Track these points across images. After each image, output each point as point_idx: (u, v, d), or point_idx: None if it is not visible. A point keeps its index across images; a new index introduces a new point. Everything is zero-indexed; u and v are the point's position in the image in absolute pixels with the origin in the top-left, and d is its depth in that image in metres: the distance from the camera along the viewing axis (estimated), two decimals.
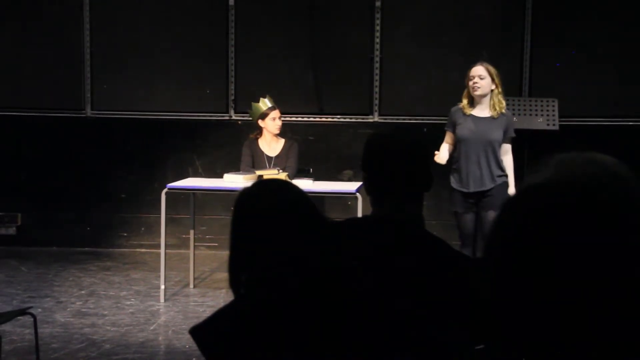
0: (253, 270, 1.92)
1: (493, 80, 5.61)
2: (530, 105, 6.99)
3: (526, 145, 7.17)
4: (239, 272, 1.96)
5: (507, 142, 5.71)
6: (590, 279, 0.95)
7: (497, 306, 1.01)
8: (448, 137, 5.77)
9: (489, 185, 5.58)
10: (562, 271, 0.96)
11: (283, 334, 1.86)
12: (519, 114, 6.85)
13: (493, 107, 5.62)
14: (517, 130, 5.97)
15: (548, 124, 6.95)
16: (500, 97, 5.64)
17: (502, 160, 5.66)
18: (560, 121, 7.03)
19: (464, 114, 5.64)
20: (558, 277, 0.96)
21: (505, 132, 5.65)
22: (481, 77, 5.59)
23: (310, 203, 1.98)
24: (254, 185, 2.04)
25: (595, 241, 0.96)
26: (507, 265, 1.00)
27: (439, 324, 1.98)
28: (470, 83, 5.61)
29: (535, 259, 0.98)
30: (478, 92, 5.59)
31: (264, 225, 1.91)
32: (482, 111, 5.64)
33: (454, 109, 5.74)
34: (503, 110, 5.65)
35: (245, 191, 2.03)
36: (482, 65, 5.63)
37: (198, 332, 1.97)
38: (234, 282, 1.97)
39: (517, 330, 0.99)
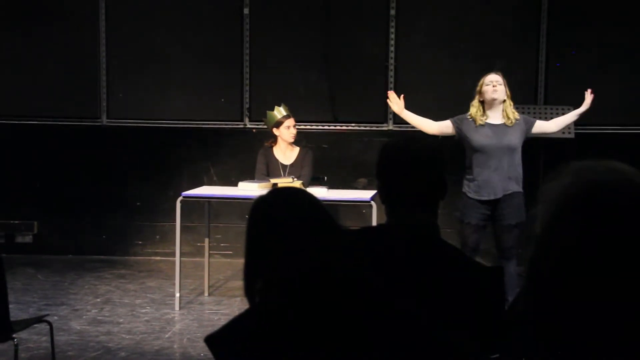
0: (268, 279, 1.92)
1: (506, 89, 5.61)
2: (546, 113, 6.97)
3: (542, 153, 7.15)
4: (254, 280, 1.96)
5: (535, 124, 5.71)
6: (615, 281, 0.95)
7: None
8: (441, 123, 5.74)
9: (505, 192, 5.54)
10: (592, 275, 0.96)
11: (298, 343, 1.86)
12: None
13: (506, 116, 5.60)
14: (532, 138, 5.96)
15: (564, 132, 6.92)
16: (511, 107, 5.64)
17: (520, 167, 5.62)
18: (575, 129, 6.99)
19: (476, 125, 5.60)
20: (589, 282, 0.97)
21: (528, 130, 5.66)
22: (499, 82, 5.58)
23: (326, 211, 1.98)
24: (269, 193, 2.04)
25: (616, 246, 0.96)
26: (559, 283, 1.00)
27: (454, 333, 1.97)
28: (488, 88, 5.57)
29: (572, 265, 0.98)
30: (496, 95, 5.55)
31: (279, 233, 1.91)
32: (495, 119, 5.61)
33: (464, 117, 5.67)
34: (517, 117, 5.63)
35: (261, 199, 2.03)
36: (497, 73, 5.64)
37: (213, 340, 1.97)
38: (249, 290, 1.97)
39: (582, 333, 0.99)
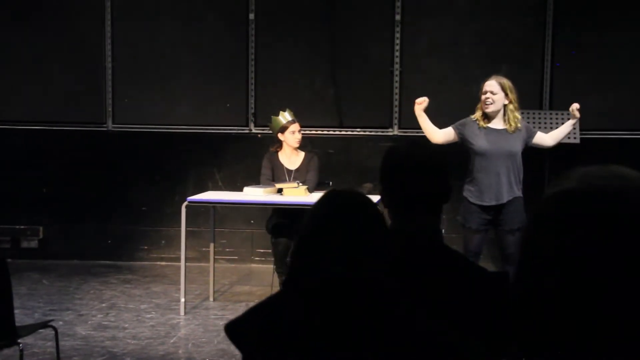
0: (315, 271, 1.89)
1: (507, 95, 5.52)
2: (551, 119, 6.97)
3: (547, 158, 7.14)
4: (299, 270, 1.93)
5: (535, 136, 5.65)
6: (617, 290, 0.95)
7: (534, 314, 1.00)
8: (445, 131, 5.67)
9: (506, 197, 5.51)
10: (591, 283, 0.96)
11: (321, 331, 1.85)
12: (540, 128, 6.82)
13: (507, 122, 5.55)
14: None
15: (569, 137, 6.91)
16: (515, 112, 5.54)
17: (521, 172, 5.59)
18: (581, 134, 6.99)
19: (479, 128, 5.57)
20: (587, 289, 0.96)
21: (528, 140, 5.60)
22: (493, 92, 5.49)
23: (385, 224, 1.96)
24: (348, 194, 2.01)
25: (620, 254, 0.95)
26: (542, 280, 1.00)
27: (457, 338, 1.97)
28: (483, 98, 5.54)
29: (564, 270, 0.97)
30: (490, 109, 5.50)
31: (340, 233, 1.89)
32: (497, 124, 5.57)
33: (468, 120, 5.63)
34: (519, 125, 5.58)
35: (334, 195, 2.00)
36: (495, 79, 5.54)
37: (233, 327, 1.94)
38: (292, 278, 1.95)
39: (557, 340, 0.99)
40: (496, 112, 5.53)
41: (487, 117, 5.57)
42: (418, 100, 5.74)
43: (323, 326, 1.84)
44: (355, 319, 1.84)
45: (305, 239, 1.93)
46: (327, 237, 1.89)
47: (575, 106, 5.74)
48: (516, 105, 5.56)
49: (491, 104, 5.50)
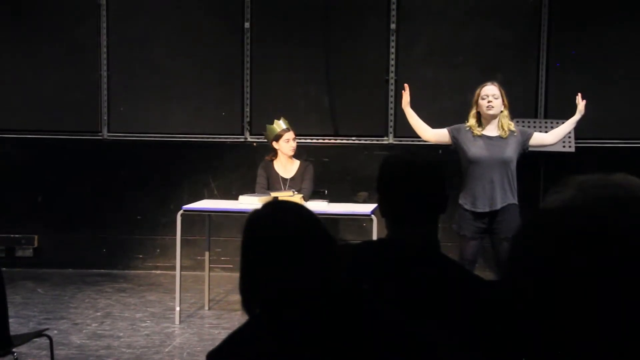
0: (267, 293, 1.92)
1: (503, 101, 5.58)
2: (546, 127, 6.98)
3: (542, 167, 7.15)
4: (251, 294, 1.96)
5: (532, 136, 5.64)
6: (610, 303, 0.95)
7: (518, 328, 1.00)
8: (438, 131, 5.73)
9: (500, 204, 5.51)
10: (582, 295, 0.96)
11: (298, 356, 1.85)
12: None
13: (502, 127, 5.57)
14: (532, 152, 5.92)
15: (564, 146, 6.93)
16: (508, 118, 5.59)
17: (515, 179, 5.59)
18: (576, 143, 7.00)
19: (474, 135, 5.59)
20: (578, 301, 0.96)
21: (524, 142, 5.61)
22: (495, 96, 5.54)
23: (322, 225, 1.98)
24: (264, 207, 2.04)
25: (615, 266, 0.95)
26: (527, 290, 1.00)
27: (454, 348, 1.97)
28: (484, 102, 5.55)
29: (554, 283, 0.97)
30: (492, 112, 5.52)
31: (275, 247, 1.91)
32: (491, 131, 5.59)
33: (462, 127, 5.65)
34: (512, 128, 5.61)
35: (256, 212, 2.03)
36: (494, 85, 5.59)
37: (215, 357, 1.95)
38: (246, 304, 1.97)
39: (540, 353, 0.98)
40: (494, 117, 5.56)
41: (481, 125, 5.59)
42: (405, 93, 5.78)
43: (303, 344, 1.84)
44: (338, 332, 1.84)
45: (245, 260, 1.96)
46: (261, 252, 1.91)
47: (579, 97, 5.78)
48: (508, 112, 5.61)
49: (493, 107, 5.53)
